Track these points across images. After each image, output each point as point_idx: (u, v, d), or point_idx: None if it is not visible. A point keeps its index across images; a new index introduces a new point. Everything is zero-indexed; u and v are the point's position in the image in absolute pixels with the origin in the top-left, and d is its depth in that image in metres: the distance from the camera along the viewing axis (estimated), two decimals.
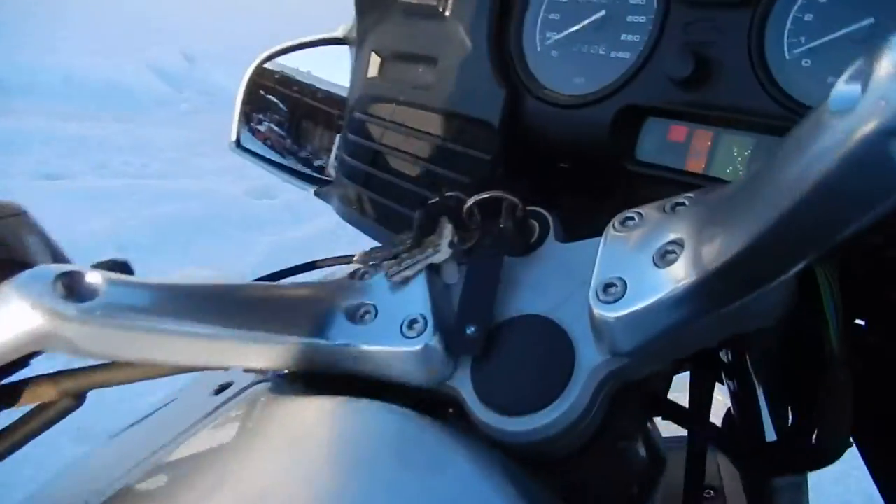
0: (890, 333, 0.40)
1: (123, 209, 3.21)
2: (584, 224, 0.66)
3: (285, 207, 3.28)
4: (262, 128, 1.12)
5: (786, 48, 0.44)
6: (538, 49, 0.58)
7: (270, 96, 1.11)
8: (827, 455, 0.40)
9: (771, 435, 0.59)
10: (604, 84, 0.53)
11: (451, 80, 0.61)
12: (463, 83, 0.60)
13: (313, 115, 1.02)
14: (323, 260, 0.55)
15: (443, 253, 0.47)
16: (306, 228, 3.04)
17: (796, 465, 0.42)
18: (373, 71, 0.71)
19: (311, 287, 0.48)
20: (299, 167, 1.05)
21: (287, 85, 1.07)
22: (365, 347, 0.44)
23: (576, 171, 0.58)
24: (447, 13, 0.62)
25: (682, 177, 0.50)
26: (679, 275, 0.35)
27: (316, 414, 0.43)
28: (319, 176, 0.93)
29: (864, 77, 0.24)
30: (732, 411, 0.61)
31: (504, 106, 0.57)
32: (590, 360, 0.40)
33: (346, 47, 0.83)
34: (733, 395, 0.58)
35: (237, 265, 2.83)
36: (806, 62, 0.44)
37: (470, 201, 0.46)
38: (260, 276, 0.53)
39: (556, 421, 0.39)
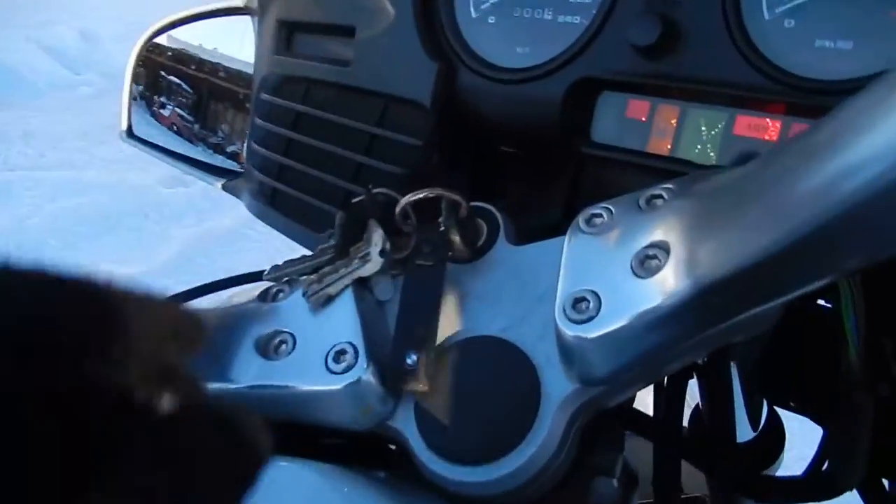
0: None
1: (22, 205, 2.94)
2: (535, 218, 0.59)
3: (202, 195, 3.08)
4: (165, 112, 1.00)
5: (765, 8, 0.38)
6: (473, 15, 0.50)
7: (172, 77, 1.00)
8: (834, 487, 0.35)
9: (743, 434, 0.54)
10: (552, 54, 0.45)
11: (372, 53, 0.52)
12: (387, 57, 0.51)
13: (223, 95, 0.92)
14: (223, 280, 0.45)
15: (373, 264, 0.39)
16: (226, 218, 2.86)
17: (795, 496, 0.37)
18: (279, 45, 0.61)
19: (210, 315, 0.39)
20: (208, 156, 0.94)
21: (190, 63, 0.97)
22: (282, 387, 0.35)
23: (522, 155, 0.51)
24: None
25: (644, 159, 0.43)
26: (666, 286, 0.29)
27: None
28: (229, 167, 0.82)
29: None
30: (702, 410, 0.56)
31: (436, 83, 0.48)
32: (558, 390, 0.33)
33: (248, 18, 0.72)
34: (706, 395, 0.52)
35: (153, 260, 2.64)
36: (789, 23, 0.37)
37: (403, 201, 0.38)
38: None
39: (522, 469, 0.32)
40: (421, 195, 0.38)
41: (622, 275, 0.31)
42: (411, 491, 0.34)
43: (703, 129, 0.42)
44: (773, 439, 0.53)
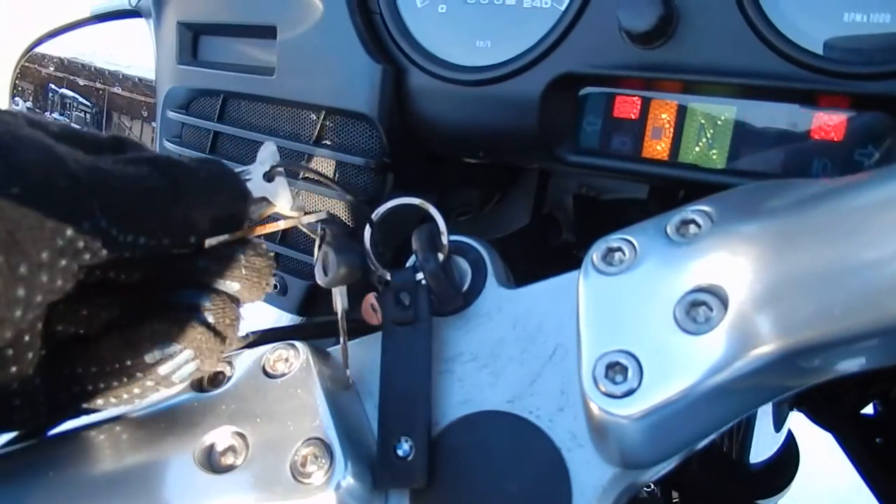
0: None
1: None
2: (496, 227, 0.51)
3: None
4: None
5: None
6: (418, 4, 0.41)
7: (65, 90, 0.89)
8: None
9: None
10: (522, 48, 0.38)
11: (299, 57, 0.44)
12: (318, 61, 0.43)
13: (126, 106, 0.82)
14: None
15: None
16: None
17: None
18: (183, 52, 0.51)
19: (119, 426, 0.30)
20: None
21: (84, 73, 0.86)
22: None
23: (489, 168, 0.43)
24: None
25: (637, 165, 0.37)
26: (729, 345, 0.22)
27: None
28: None
29: None
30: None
31: (383, 89, 0.40)
32: (593, 477, 0.27)
33: (141, 20, 0.61)
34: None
35: None
36: None
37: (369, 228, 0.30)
38: None
39: None
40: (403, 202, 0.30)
41: (665, 330, 0.24)
42: None
43: (708, 125, 0.36)
44: (787, 464, 0.49)
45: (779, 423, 0.47)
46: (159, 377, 0.26)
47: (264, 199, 0.28)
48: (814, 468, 0.51)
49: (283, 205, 0.29)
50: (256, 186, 0.28)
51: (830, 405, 0.43)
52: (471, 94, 0.39)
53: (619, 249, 0.27)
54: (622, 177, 0.38)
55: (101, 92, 0.85)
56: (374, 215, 0.32)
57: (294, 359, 0.30)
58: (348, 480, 0.27)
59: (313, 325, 0.35)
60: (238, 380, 0.30)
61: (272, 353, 0.30)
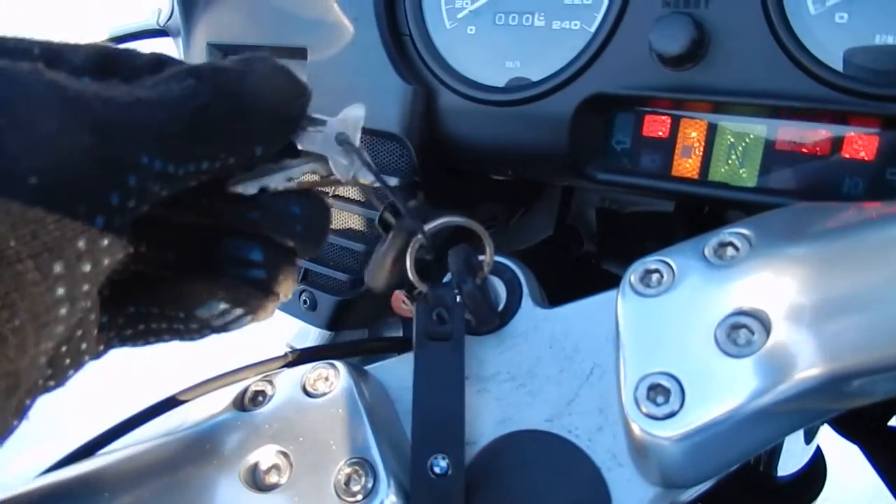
0: None
1: None
2: (519, 239, 0.52)
3: None
4: None
5: (810, 1, 0.32)
6: (448, 26, 0.42)
7: None
8: None
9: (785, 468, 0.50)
10: (551, 69, 0.38)
11: (330, 78, 0.44)
12: (349, 82, 0.43)
13: None
14: (176, 396, 0.35)
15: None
16: None
17: None
18: None
19: (165, 446, 0.30)
20: None
21: None
22: None
23: (516, 183, 0.44)
24: None
25: (668, 184, 0.37)
26: (772, 369, 0.23)
27: None
28: None
29: None
30: None
31: (413, 109, 0.41)
32: (634, 497, 0.27)
33: (169, 39, 0.62)
34: None
35: None
36: (841, 17, 0.32)
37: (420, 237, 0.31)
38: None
39: None
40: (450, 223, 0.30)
41: (706, 353, 0.24)
42: None
43: (738, 144, 0.36)
44: (814, 477, 0.49)
45: (809, 436, 0.48)
46: (215, 326, 0.26)
47: (323, 157, 0.26)
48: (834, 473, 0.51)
49: (342, 172, 0.26)
50: (324, 141, 0.26)
51: (856, 417, 0.43)
52: (501, 114, 0.40)
53: (657, 271, 0.27)
54: (652, 194, 0.38)
55: None
56: (425, 231, 0.32)
57: (334, 378, 0.30)
58: (391, 499, 0.27)
59: (351, 343, 0.35)
60: (279, 399, 0.31)
61: (312, 373, 0.31)
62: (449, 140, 0.42)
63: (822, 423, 0.47)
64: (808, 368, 0.22)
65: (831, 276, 0.22)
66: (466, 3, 0.41)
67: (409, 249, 0.31)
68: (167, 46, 0.63)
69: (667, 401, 0.24)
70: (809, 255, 0.23)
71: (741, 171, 0.36)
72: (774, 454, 0.44)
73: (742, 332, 0.24)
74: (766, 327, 0.23)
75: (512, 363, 0.31)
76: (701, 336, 0.25)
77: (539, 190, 0.53)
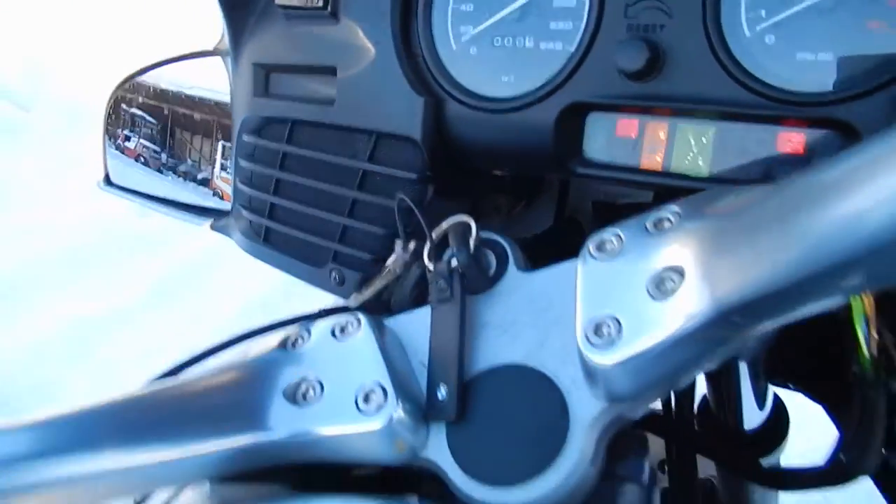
0: None
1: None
2: (524, 230, 0.60)
3: (177, 222, 3.04)
4: (130, 144, 0.99)
5: (745, 26, 0.39)
6: (454, 47, 0.50)
7: (135, 109, 0.99)
8: (849, 475, 0.36)
9: (750, 422, 0.56)
10: (539, 82, 0.46)
11: (356, 91, 0.53)
12: (372, 95, 0.52)
13: (187, 123, 0.92)
14: (241, 335, 0.45)
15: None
16: (203, 242, 2.82)
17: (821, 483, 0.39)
18: (258, 87, 0.61)
19: (233, 371, 0.39)
20: (192, 197, 0.94)
21: (155, 97, 0.96)
22: (315, 433, 0.36)
23: (516, 178, 0.52)
24: (339, 14, 0.53)
25: (637, 175, 0.44)
26: (686, 308, 0.30)
27: None
28: (213, 205, 0.82)
29: None
30: (710, 401, 0.57)
31: (425, 117, 0.49)
32: (586, 410, 0.34)
33: (218, 59, 0.71)
34: (711, 387, 0.54)
35: (131, 294, 2.60)
36: (769, 38, 0.39)
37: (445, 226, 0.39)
38: (169, 368, 0.43)
39: (557, 487, 0.33)
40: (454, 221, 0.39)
41: (640, 299, 0.32)
42: None
43: (694, 142, 0.43)
44: (778, 424, 0.55)
45: (761, 399, 0.54)
46: None
47: None
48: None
49: None
50: None
51: (819, 378, 0.49)
52: (498, 120, 0.48)
53: (610, 241, 0.35)
54: (625, 185, 0.45)
55: (165, 111, 0.95)
56: (437, 231, 0.41)
57: (356, 326, 0.39)
58: (399, 413, 0.35)
59: (371, 302, 0.44)
60: (314, 342, 0.39)
61: (341, 321, 0.39)
62: (455, 142, 0.50)
63: (768, 384, 0.53)
64: (708, 304, 0.29)
65: (726, 239, 0.29)
66: (469, 29, 0.49)
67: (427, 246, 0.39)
68: (217, 64, 0.72)
69: (609, 334, 0.32)
70: (713, 225, 0.30)
71: (698, 163, 0.43)
72: (738, 411, 0.51)
73: (668, 284, 0.31)
74: (683, 278, 0.31)
75: (499, 315, 0.38)
76: (637, 287, 0.32)
77: (538, 185, 0.60)
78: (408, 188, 0.51)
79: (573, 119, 0.45)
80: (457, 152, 0.50)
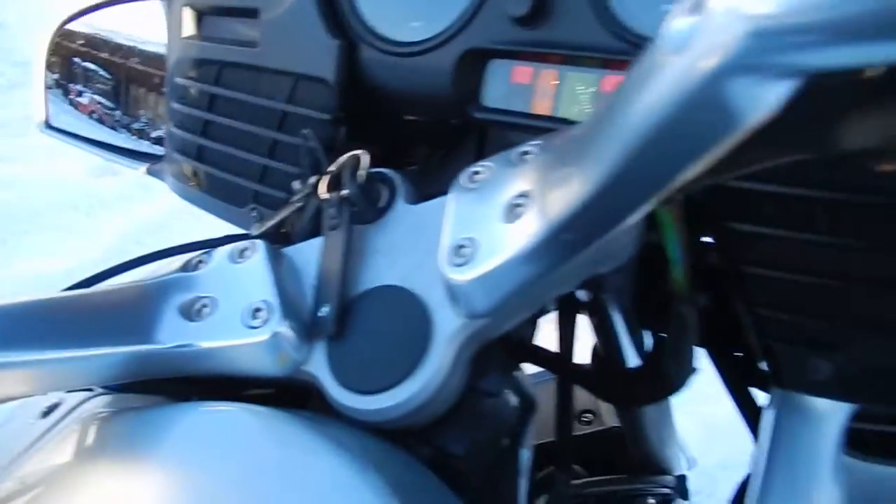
0: (731, 259, 0.41)
1: None
2: (442, 179, 0.63)
3: (134, 183, 3.01)
4: (83, 100, 0.99)
5: None
6: None
7: (88, 63, 0.99)
8: (672, 386, 0.41)
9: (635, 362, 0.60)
10: (442, 27, 0.49)
11: (276, 34, 0.55)
12: (290, 37, 0.54)
13: (142, 79, 0.92)
14: (151, 254, 0.48)
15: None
16: (158, 204, 2.81)
17: (646, 396, 0.43)
18: (188, 29, 0.63)
19: (135, 287, 0.42)
20: (132, 142, 0.95)
21: (105, 48, 0.96)
22: (204, 345, 0.39)
23: (424, 123, 0.55)
24: None
25: (530, 120, 0.48)
26: (528, 228, 0.33)
27: (157, 425, 0.38)
28: (152, 151, 0.83)
29: (697, 9, 0.22)
30: (597, 345, 0.61)
31: (338, 59, 0.52)
32: (447, 325, 0.38)
33: (158, 2, 0.73)
34: (595, 330, 0.58)
35: (86, 253, 2.58)
36: None
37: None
38: (92, 274, 0.45)
39: (416, 393, 0.37)
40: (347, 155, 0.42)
41: (495, 222, 0.35)
42: (331, 422, 0.38)
43: (580, 90, 0.46)
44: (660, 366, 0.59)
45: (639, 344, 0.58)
46: None
47: None
48: None
49: None
50: None
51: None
52: (405, 64, 0.51)
53: (480, 172, 0.38)
54: (518, 130, 0.49)
55: (119, 65, 0.95)
56: (334, 165, 0.43)
57: (253, 250, 0.42)
58: (283, 329, 0.38)
59: (276, 232, 0.46)
60: (214, 264, 0.42)
61: (240, 246, 0.42)
62: (366, 85, 0.52)
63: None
64: (542, 223, 0.32)
65: (557, 164, 0.33)
66: None
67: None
68: (156, 7, 0.74)
69: (466, 253, 0.35)
70: (554, 153, 0.34)
71: (582, 110, 0.47)
72: (616, 350, 0.55)
73: (519, 208, 0.35)
74: (529, 201, 0.34)
75: (385, 242, 0.42)
76: (494, 212, 0.35)
77: (456, 135, 0.63)
78: (321, 129, 0.54)
79: (473, 64, 0.48)
80: (368, 95, 0.53)
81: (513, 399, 0.42)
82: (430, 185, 0.44)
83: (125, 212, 2.90)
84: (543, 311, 0.53)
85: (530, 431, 0.46)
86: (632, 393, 0.46)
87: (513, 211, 0.35)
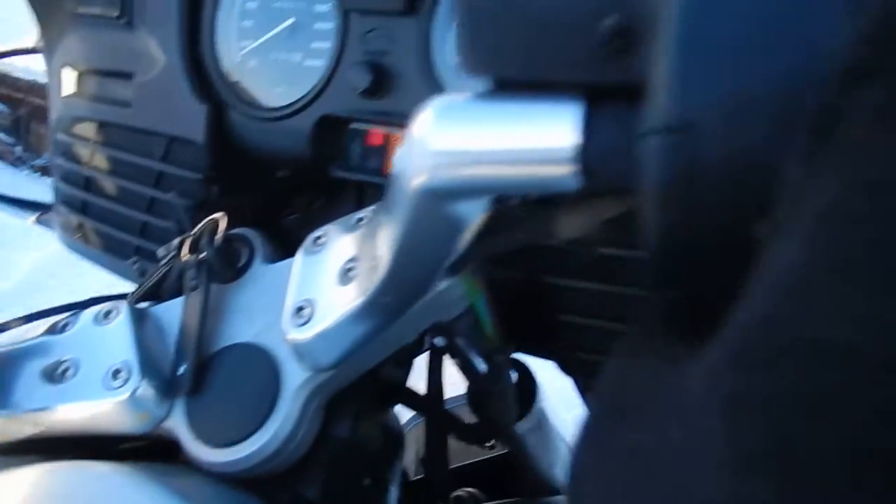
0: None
1: None
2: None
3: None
4: None
5: (448, 53, 0.47)
6: (237, 59, 0.56)
7: None
8: (500, 429, 0.45)
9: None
10: (301, 94, 0.52)
11: (149, 96, 0.57)
12: (162, 100, 0.57)
13: (44, 115, 0.91)
14: (19, 318, 0.49)
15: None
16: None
17: (481, 437, 0.47)
18: (68, 87, 0.64)
19: (5, 352, 0.43)
20: (32, 180, 0.94)
21: (5, 84, 0.95)
22: (66, 407, 0.41)
23: (293, 182, 0.58)
24: (133, 24, 0.58)
25: (384, 179, 0.52)
26: (357, 292, 0.37)
27: (14, 486, 0.40)
28: (41, 201, 0.84)
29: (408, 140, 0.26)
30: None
31: (207, 122, 0.54)
32: (294, 379, 0.41)
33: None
34: (461, 371, 0.62)
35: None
36: None
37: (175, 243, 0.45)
38: None
39: (266, 444, 0.40)
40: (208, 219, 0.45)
41: (331, 284, 0.39)
42: (185, 474, 0.41)
43: None
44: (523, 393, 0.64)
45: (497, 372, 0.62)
46: None
47: None
48: None
49: None
50: None
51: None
52: (272, 127, 0.54)
53: (323, 236, 0.42)
54: (376, 188, 0.53)
55: (19, 100, 0.95)
56: (198, 227, 0.46)
57: (117, 312, 0.44)
58: (143, 388, 0.41)
59: (138, 291, 0.49)
60: (79, 326, 0.44)
61: (105, 308, 0.44)
62: (236, 146, 0.55)
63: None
64: (363, 288, 0.36)
65: (375, 233, 0.37)
66: (249, 42, 0.55)
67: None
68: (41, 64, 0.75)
69: (305, 313, 0.39)
70: (375, 222, 0.38)
71: None
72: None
73: (351, 272, 0.38)
74: (357, 266, 0.38)
75: (242, 301, 0.45)
76: (331, 276, 0.39)
77: (335, 184, 0.67)
78: (195, 187, 0.57)
79: (331, 129, 0.52)
80: (237, 155, 0.56)
81: (375, 440, 0.46)
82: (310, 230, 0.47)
83: (41, 244, 2.80)
84: (416, 353, 0.57)
85: (397, 469, 0.50)
86: (470, 435, 0.50)
87: (346, 275, 0.38)
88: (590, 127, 0.19)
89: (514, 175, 0.21)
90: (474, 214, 0.24)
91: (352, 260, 0.38)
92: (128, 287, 0.56)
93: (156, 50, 0.57)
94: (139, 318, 0.44)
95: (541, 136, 0.20)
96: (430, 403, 0.54)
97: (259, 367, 0.42)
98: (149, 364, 0.42)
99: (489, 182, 0.23)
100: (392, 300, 0.36)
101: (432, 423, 0.55)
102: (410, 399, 0.55)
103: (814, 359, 0.11)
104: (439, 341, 0.58)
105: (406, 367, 0.60)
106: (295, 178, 0.60)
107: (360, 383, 0.45)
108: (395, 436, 0.47)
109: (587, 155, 0.19)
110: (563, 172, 0.20)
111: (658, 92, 0.15)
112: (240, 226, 0.48)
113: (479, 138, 0.23)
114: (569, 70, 0.18)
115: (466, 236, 0.26)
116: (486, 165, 0.22)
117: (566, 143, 0.20)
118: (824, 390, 0.11)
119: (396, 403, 0.55)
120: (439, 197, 0.24)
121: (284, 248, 0.46)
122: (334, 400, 0.43)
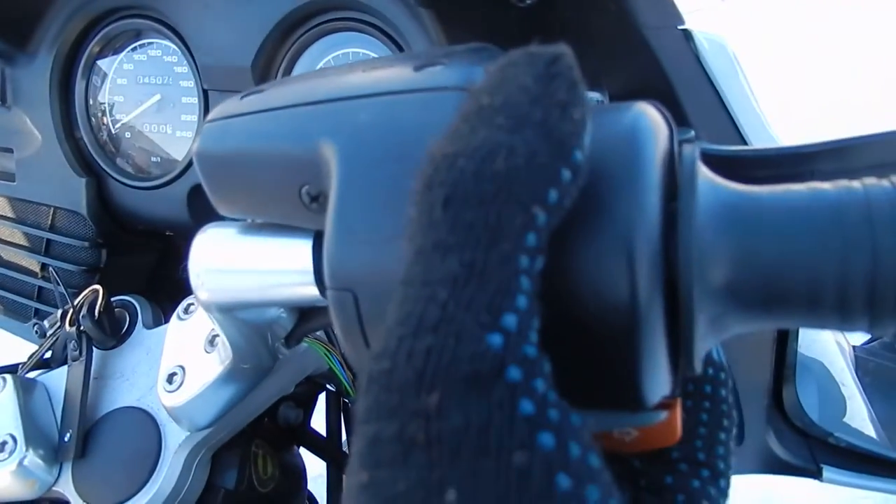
0: None
1: None
2: None
3: None
4: None
5: None
6: (113, 132, 0.59)
7: None
8: None
9: None
10: (174, 164, 0.56)
11: (31, 171, 0.60)
12: (42, 173, 0.60)
13: None
14: None
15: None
16: None
17: None
18: None
19: None
20: None
21: None
22: None
23: (181, 240, 0.62)
24: (9, 104, 0.60)
25: None
26: (221, 358, 0.41)
27: None
28: None
29: None
30: None
31: (88, 194, 0.58)
32: (175, 438, 0.44)
33: None
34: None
35: None
36: None
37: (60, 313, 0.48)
38: None
39: (151, 501, 0.44)
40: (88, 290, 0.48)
41: (199, 352, 0.43)
42: None
43: None
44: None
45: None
46: None
47: None
48: None
49: None
50: None
51: None
52: (149, 196, 0.58)
53: (192, 304, 0.46)
54: None
55: None
56: (79, 298, 0.50)
57: (3, 384, 0.47)
58: (29, 458, 0.44)
59: (28, 362, 0.52)
60: None
61: None
62: (118, 213, 0.59)
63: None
64: (222, 358, 0.41)
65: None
66: (122, 116, 0.59)
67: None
68: None
69: (177, 379, 0.43)
70: None
71: None
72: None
73: (217, 338, 0.43)
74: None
75: (125, 365, 0.48)
76: (199, 343, 0.43)
77: None
78: (83, 253, 0.60)
79: (201, 197, 0.56)
80: (121, 221, 0.59)
81: (269, 481, 0.50)
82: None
83: None
84: (315, 394, 0.62)
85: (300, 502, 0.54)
86: None
87: (213, 342, 0.43)
88: (318, 255, 0.25)
89: (268, 289, 0.27)
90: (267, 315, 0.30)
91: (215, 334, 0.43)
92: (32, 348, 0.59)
93: (31, 128, 0.60)
94: (27, 389, 0.48)
95: (285, 260, 0.26)
96: (329, 446, 0.59)
97: (142, 428, 0.46)
98: (34, 433, 0.45)
99: (249, 296, 0.28)
100: (250, 367, 0.41)
101: (331, 464, 0.60)
102: (310, 441, 0.60)
103: None
104: (331, 386, 0.63)
105: (306, 408, 0.65)
106: (182, 236, 0.64)
107: (254, 429, 0.49)
108: (295, 474, 0.52)
109: (319, 276, 0.25)
110: (308, 288, 0.26)
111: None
112: (135, 283, 0.51)
113: (241, 259, 0.28)
114: (288, 218, 0.24)
115: (288, 318, 0.31)
116: (247, 279, 0.27)
117: (304, 266, 0.26)
118: None
119: (295, 445, 0.59)
120: (225, 310, 0.30)
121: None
122: (220, 451, 0.47)
